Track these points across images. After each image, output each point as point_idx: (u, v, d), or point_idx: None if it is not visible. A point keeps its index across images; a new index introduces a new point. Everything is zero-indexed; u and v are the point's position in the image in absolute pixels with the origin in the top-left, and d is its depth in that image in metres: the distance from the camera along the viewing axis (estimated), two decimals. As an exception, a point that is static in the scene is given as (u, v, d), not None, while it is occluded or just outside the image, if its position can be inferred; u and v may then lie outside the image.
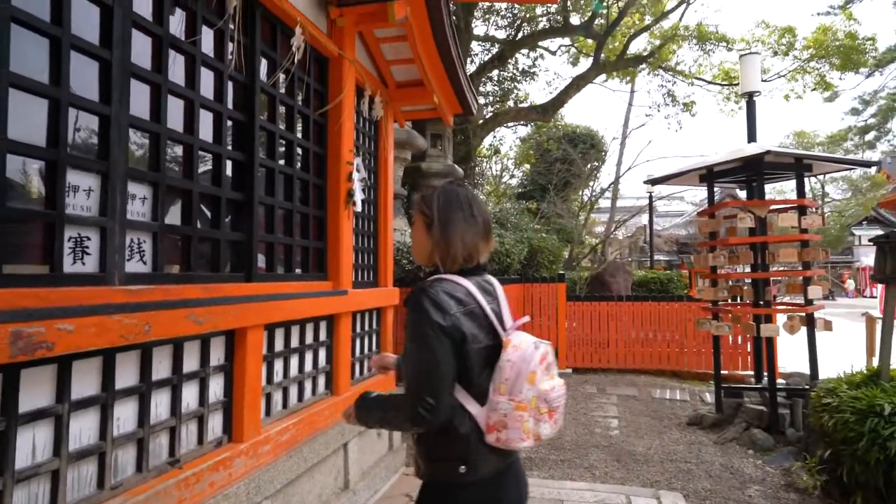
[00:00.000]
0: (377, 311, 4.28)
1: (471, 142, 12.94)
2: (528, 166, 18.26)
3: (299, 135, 3.26)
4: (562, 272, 9.43)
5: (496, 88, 15.47)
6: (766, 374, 5.46)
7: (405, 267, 6.14)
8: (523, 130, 18.49)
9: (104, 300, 1.76)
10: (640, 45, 17.28)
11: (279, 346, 2.98)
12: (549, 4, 13.43)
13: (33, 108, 1.67)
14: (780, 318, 5.41)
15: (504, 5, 14.31)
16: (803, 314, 5.17)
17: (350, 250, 3.60)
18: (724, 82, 16.60)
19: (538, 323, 8.49)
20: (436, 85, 4.37)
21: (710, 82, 16.83)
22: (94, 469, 1.84)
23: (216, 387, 2.45)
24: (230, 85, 2.60)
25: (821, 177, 27.74)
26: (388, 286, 4.39)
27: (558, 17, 14.02)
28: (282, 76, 3.00)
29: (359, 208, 3.80)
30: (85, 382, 1.81)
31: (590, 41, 15.26)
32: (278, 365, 2.98)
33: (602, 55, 14.14)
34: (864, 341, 5.32)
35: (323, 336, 3.40)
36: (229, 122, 2.59)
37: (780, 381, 5.94)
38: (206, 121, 2.44)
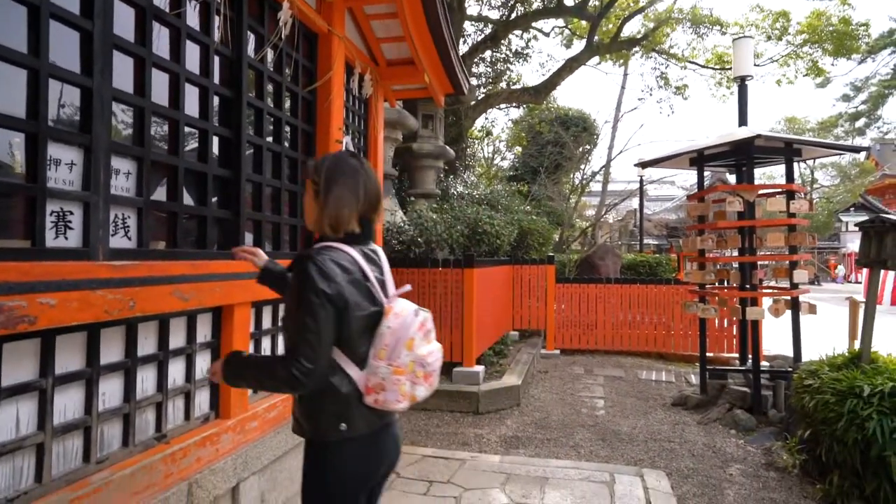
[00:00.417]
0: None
1: (462, 123, 12.83)
2: (519, 148, 18.16)
3: (288, 112, 3.22)
4: (551, 254, 9.47)
5: (489, 69, 15.30)
6: (750, 356, 5.54)
7: (395, 247, 6.13)
8: (515, 112, 18.33)
9: (88, 275, 1.75)
10: (634, 28, 17.18)
11: (267, 323, 2.98)
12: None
13: (12, 79, 1.64)
14: (766, 302, 5.48)
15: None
16: (788, 298, 5.24)
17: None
18: (716, 66, 16.54)
19: (527, 304, 8.54)
20: (427, 63, 4.33)
21: (703, 66, 16.75)
22: (80, 443, 1.85)
23: (203, 363, 2.45)
24: (217, 60, 2.56)
25: (810, 163, 27.90)
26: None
27: (552, -2, 13.86)
28: (270, 52, 2.96)
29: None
30: (69, 357, 1.80)
31: (584, 23, 15.10)
32: (266, 342, 2.98)
33: (596, 37, 14.02)
34: (847, 325, 5.39)
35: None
36: (216, 98, 2.56)
37: (764, 363, 6.04)
38: (191, 96, 2.41)
